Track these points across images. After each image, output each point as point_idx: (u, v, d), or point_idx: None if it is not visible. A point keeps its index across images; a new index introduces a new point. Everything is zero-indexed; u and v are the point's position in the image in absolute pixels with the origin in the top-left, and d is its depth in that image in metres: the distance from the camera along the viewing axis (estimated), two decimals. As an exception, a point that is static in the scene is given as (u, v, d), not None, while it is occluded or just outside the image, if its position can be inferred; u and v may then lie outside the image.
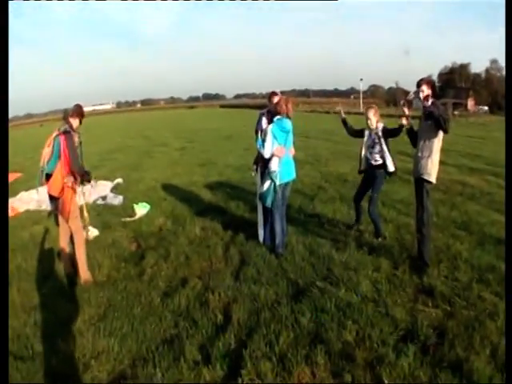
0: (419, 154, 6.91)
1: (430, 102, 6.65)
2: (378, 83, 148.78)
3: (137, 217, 10.17)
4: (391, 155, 8.18)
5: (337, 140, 24.29)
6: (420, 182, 6.92)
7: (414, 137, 7.17)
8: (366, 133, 8.43)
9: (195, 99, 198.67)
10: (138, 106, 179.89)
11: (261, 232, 8.23)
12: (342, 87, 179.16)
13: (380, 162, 8.20)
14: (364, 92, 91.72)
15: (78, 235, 7.07)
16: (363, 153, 8.44)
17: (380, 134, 8.14)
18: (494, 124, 41.25)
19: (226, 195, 12.11)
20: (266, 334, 5.24)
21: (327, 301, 5.88)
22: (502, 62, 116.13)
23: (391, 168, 8.15)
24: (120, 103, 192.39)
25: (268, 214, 7.93)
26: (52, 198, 7.01)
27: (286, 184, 7.69)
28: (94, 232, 8.95)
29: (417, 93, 6.80)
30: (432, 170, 6.78)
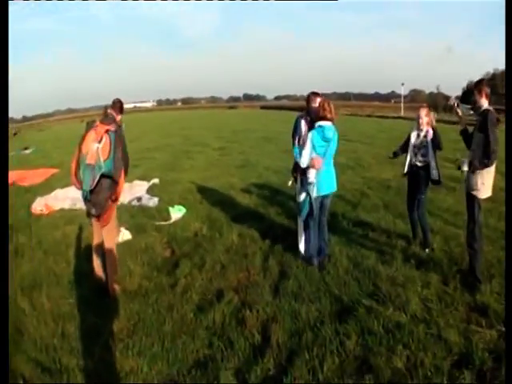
0: (471, 165, 6.28)
1: (482, 109, 6.15)
2: (419, 87, 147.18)
3: (172, 220, 9.75)
4: (437, 162, 7.64)
5: (379, 144, 23.48)
6: (470, 196, 6.40)
7: (469, 139, 6.47)
8: (414, 133, 7.85)
9: (236, 99, 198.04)
10: (179, 104, 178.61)
11: (301, 242, 7.61)
12: (383, 91, 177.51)
13: (424, 164, 7.68)
14: (405, 96, 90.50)
15: (110, 243, 6.53)
16: (409, 154, 7.90)
17: (428, 138, 7.59)
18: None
19: (264, 200, 11.60)
20: (309, 359, 4.76)
21: (374, 321, 5.41)
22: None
23: (435, 176, 7.60)
24: (161, 101, 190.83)
25: (308, 224, 7.35)
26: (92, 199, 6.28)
27: (325, 196, 7.10)
28: (126, 235, 8.63)
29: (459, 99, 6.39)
30: (482, 186, 6.25)
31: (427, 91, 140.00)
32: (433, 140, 7.54)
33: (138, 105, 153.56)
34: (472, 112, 6.37)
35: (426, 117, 7.63)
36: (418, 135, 7.75)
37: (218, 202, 11.30)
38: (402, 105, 76.01)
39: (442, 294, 6.05)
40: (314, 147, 6.70)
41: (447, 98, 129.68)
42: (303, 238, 7.54)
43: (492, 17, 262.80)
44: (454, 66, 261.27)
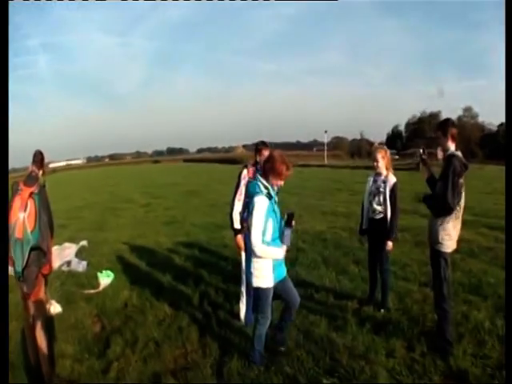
0: (432, 220, 5.69)
1: (448, 153, 5.51)
2: (341, 135, 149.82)
3: (101, 288, 8.77)
4: (397, 214, 6.81)
5: (307, 194, 23.37)
6: (435, 251, 5.64)
7: (435, 186, 5.67)
8: (370, 178, 7.04)
9: (160, 153, 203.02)
10: (107, 160, 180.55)
11: (243, 311, 6.72)
12: (305, 140, 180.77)
13: (382, 215, 6.80)
14: (327, 144, 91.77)
15: (39, 320, 5.53)
16: (365, 204, 7.08)
17: (388, 184, 6.72)
18: (469, 172, 42.24)
19: (195, 260, 10.50)
20: None
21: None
22: (477, 109, 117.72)
23: (392, 234, 6.80)
24: (90, 158, 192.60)
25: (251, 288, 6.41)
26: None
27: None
28: (57, 308, 7.63)
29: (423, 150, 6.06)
30: (445, 238, 5.50)
31: (349, 138, 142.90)
32: (392, 190, 6.73)
33: (70, 162, 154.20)
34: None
35: (382, 159, 6.79)
36: (375, 180, 6.91)
37: (148, 264, 10.41)
38: (326, 153, 76.81)
39: (410, 363, 5.27)
40: (274, 224, 5.32)
41: (371, 144, 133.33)
42: (244, 305, 6.68)
43: (419, 59, 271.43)
44: (378, 110, 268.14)
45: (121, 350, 6.06)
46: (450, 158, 5.37)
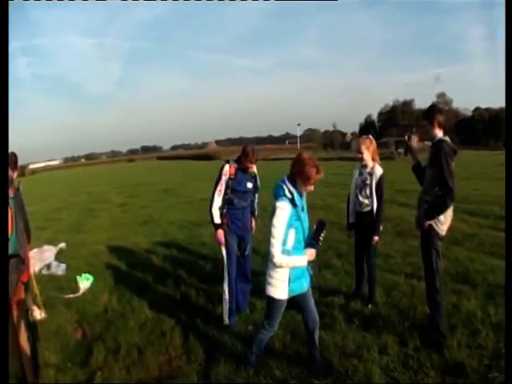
0: (421, 203, 5.48)
1: (436, 139, 5.35)
2: (313, 127, 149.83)
3: (80, 292, 8.54)
4: (383, 207, 6.60)
5: None
6: (426, 241, 5.45)
7: (422, 174, 5.60)
8: (356, 171, 6.79)
9: (134, 152, 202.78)
10: (83, 160, 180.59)
11: (226, 309, 6.52)
12: (277, 133, 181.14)
13: (369, 208, 6.56)
14: (300, 137, 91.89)
15: (22, 328, 5.34)
16: (351, 197, 6.84)
17: (374, 176, 6.48)
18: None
19: (174, 260, 10.26)
20: None
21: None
22: (450, 95, 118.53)
23: (380, 225, 6.63)
24: (67, 158, 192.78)
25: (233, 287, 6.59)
26: None
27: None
28: (42, 314, 7.37)
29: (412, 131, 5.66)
30: (439, 222, 5.35)
31: (322, 130, 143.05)
32: (378, 182, 6.51)
33: (49, 163, 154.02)
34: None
35: (367, 150, 6.51)
36: (361, 173, 6.65)
37: (126, 266, 10.17)
38: (299, 145, 76.78)
39: (404, 358, 5.06)
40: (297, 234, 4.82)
41: (344, 134, 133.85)
42: (227, 304, 6.51)
43: (388, 48, 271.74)
44: (351, 101, 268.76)
45: (103, 358, 5.81)
46: (439, 143, 5.19)
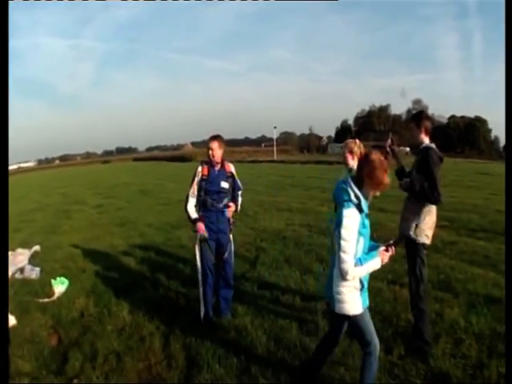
0: (405, 213, 5.54)
1: (422, 146, 5.41)
2: (290, 130, 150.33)
3: (55, 296, 8.34)
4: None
5: (259, 190, 23.20)
6: (411, 247, 5.39)
7: (404, 178, 5.56)
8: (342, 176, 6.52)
9: (109, 153, 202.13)
10: (57, 162, 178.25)
11: (202, 310, 6.68)
12: (253, 136, 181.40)
13: None
14: (276, 139, 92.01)
15: None
16: None
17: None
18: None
19: (152, 263, 10.06)
20: None
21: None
22: (426, 101, 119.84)
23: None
24: (41, 160, 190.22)
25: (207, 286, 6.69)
26: None
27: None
28: (12, 320, 7.14)
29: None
30: (421, 230, 5.32)
31: (298, 133, 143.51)
32: None
33: (22, 165, 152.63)
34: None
35: (350, 155, 6.28)
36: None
37: (103, 269, 9.95)
38: (275, 148, 76.68)
39: (389, 366, 4.99)
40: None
41: (320, 138, 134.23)
42: (203, 312, 6.70)
43: (364, 53, 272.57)
44: (327, 105, 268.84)
45: (80, 366, 5.63)
46: (426, 150, 5.20)
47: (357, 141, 6.49)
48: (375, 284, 7.29)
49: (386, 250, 4.09)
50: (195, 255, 6.69)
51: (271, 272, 8.61)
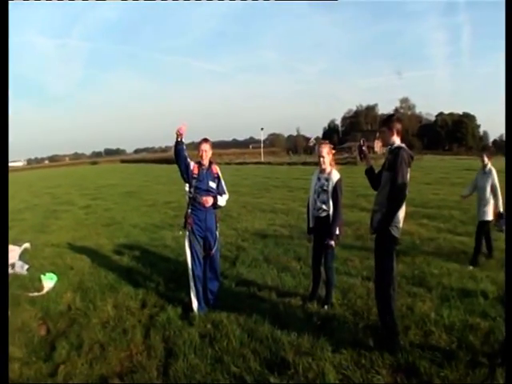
0: (375, 206, 5.68)
1: (394, 146, 5.52)
2: (277, 131, 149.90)
3: (44, 291, 8.52)
4: (340, 212, 6.68)
5: (244, 192, 23.48)
6: (381, 241, 5.50)
7: (374, 178, 5.85)
8: (314, 176, 6.89)
9: (98, 154, 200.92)
10: (46, 162, 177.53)
11: (194, 301, 6.88)
12: (241, 137, 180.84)
13: (326, 213, 6.67)
14: (264, 141, 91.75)
15: None
16: (310, 202, 6.93)
17: (331, 182, 6.58)
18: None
19: (136, 261, 10.33)
20: None
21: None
22: (414, 100, 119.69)
23: (335, 230, 6.63)
24: (30, 160, 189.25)
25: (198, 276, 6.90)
26: None
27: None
28: None
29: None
30: (394, 228, 5.37)
31: (286, 134, 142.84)
32: (335, 188, 6.58)
33: (11, 165, 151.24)
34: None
35: (328, 155, 6.65)
36: (319, 178, 6.77)
37: (89, 266, 10.15)
38: (262, 150, 76.28)
39: (357, 358, 5.16)
40: None
41: (307, 139, 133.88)
42: (196, 300, 6.87)
43: (350, 52, 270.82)
44: (314, 105, 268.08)
45: (67, 354, 5.89)
46: (397, 150, 5.34)
47: (329, 145, 6.85)
48: (349, 280, 7.67)
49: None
50: (185, 251, 6.88)
51: (250, 270, 8.82)
